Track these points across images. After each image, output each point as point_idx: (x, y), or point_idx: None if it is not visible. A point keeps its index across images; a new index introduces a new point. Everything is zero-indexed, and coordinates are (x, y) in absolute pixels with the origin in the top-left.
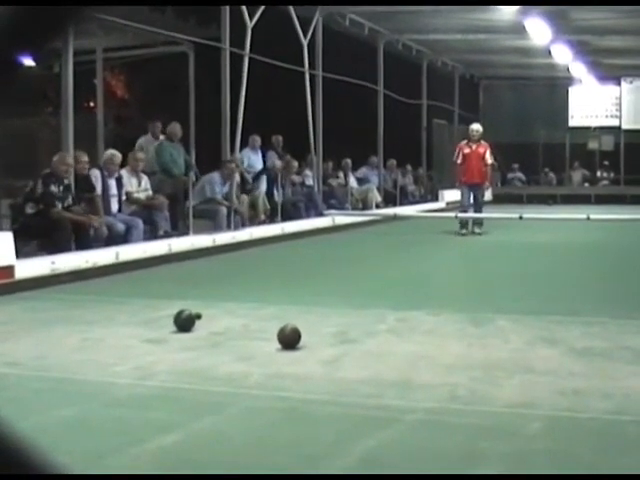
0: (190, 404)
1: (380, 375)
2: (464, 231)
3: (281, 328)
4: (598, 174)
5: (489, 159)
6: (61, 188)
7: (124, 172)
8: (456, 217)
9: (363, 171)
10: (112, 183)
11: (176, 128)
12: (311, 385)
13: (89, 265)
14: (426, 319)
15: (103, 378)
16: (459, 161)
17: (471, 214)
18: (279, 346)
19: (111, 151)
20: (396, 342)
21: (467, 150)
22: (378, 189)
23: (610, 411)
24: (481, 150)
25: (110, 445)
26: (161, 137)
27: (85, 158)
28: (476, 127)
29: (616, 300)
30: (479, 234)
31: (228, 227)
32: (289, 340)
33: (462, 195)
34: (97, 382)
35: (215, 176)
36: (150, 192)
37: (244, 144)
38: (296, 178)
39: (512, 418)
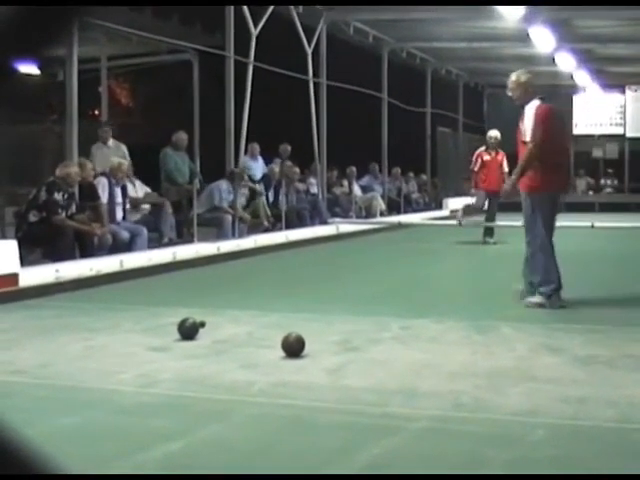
0: (194, 412)
1: (384, 383)
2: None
3: (285, 336)
4: (602, 182)
5: (506, 167)
6: (65, 196)
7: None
8: (460, 225)
9: (367, 179)
10: (118, 191)
11: (182, 136)
12: (315, 393)
13: (93, 273)
14: (430, 327)
15: (107, 386)
16: (476, 168)
17: (474, 219)
18: (283, 354)
19: (118, 159)
20: (400, 350)
21: (487, 157)
22: (382, 197)
23: (614, 419)
24: (499, 158)
25: (114, 452)
26: (110, 142)
27: (90, 166)
28: (494, 134)
29: (619, 307)
30: (494, 243)
31: (233, 235)
32: (293, 348)
33: (478, 198)
34: (101, 390)
35: (222, 184)
36: (148, 189)
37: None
38: (300, 186)
39: (516, 426)
